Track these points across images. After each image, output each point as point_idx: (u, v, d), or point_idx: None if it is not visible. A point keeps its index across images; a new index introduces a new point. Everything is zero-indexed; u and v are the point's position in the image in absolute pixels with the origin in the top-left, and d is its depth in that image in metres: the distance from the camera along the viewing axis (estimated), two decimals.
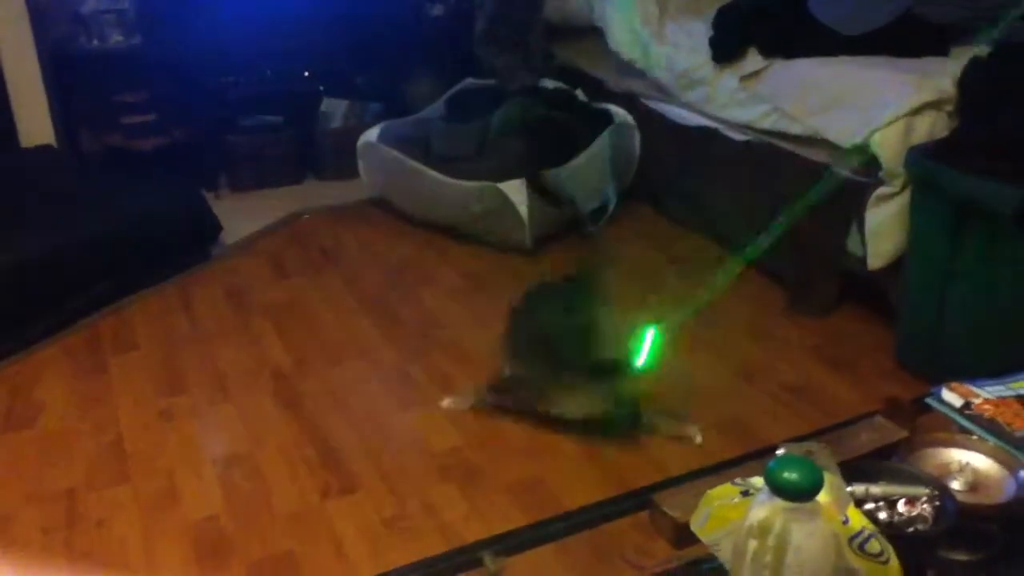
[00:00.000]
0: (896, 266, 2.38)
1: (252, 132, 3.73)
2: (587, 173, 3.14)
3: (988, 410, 1.19)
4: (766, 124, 2.73)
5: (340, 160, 3.67)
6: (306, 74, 3.93)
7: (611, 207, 3.26)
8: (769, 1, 2.97)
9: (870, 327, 2.54)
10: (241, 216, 3.40)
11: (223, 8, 3.63)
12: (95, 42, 3.51)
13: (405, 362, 2.46)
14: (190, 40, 3.54)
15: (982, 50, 2.35)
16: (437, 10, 4.03)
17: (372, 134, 3.35)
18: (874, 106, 2.37)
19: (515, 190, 2.92)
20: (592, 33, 3.51)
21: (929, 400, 1.25)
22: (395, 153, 3.22)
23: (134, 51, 3.53)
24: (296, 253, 3.16)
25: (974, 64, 2.30)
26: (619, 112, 3.32)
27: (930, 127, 2.30)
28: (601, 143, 3.17)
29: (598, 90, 3.54)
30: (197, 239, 3.11)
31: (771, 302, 2.72)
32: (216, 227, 3.14)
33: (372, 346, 2.55)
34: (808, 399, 2.24)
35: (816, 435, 1.08)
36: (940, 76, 2.35)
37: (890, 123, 2.31)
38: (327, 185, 3.76)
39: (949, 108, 2.32)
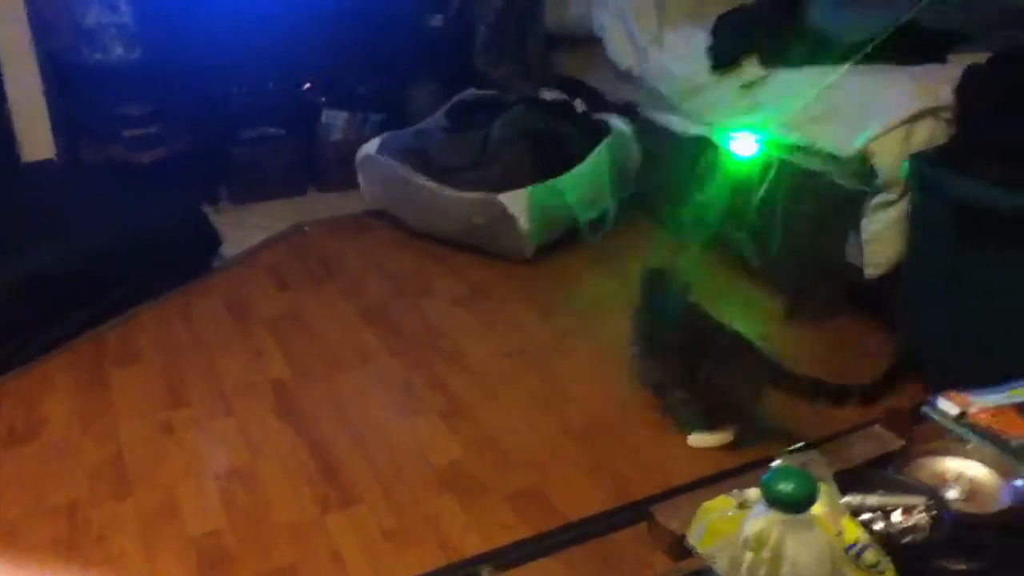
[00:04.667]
0: (895, 274, 2.38)
1: (253, 144, 3.73)
2: (586, 183, 3.14)
3: (984, 419, 1.20)
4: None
5: (341, 171, 3.67)
6: (307, 86, 3.94)
7: (610, 217, 3.27)
8: (768, 10, 2.98)
9: (870, 336, 2.53)
10: (242, 228, 3.41)
11: (223, 21, 3.64)
12: (97, 55, 3.52)
13: (406, 372, 2.47)
14: (191, 52, 3.55)
15: (980, 57, 2.36)
16: (436, 21, 4.04)
17: (371, 146, 3.36)
18: (872, 114, 2.37)
19: (514, 201, 2.93)
20: (591, 43, 3.51)
21: (925, 409, 1.25)
22: (395, 165, 3.23)
23: (135, 64, 3.54)
24: (297, 265, 3.16)
25: (972, 71, 2.30)
26: (618, 122, 3.33)
27: (928, 135, 2.31)
28: (600, 153, 3.17)
29: (597, 100, 3.55)
30: (198, 252, 3.11)
31: (770, 311, 2.72)
32: (216, 240, 3.15)
33: (373, 357, 2.56)
34: (808, 408, 2.23)
35: (813, 445, 1.08)
36: (938, 83, 2.35)
37: (888, 131, 2.32)
38: (328, 196, 3.77)
39: (947, 116, 2.32)
